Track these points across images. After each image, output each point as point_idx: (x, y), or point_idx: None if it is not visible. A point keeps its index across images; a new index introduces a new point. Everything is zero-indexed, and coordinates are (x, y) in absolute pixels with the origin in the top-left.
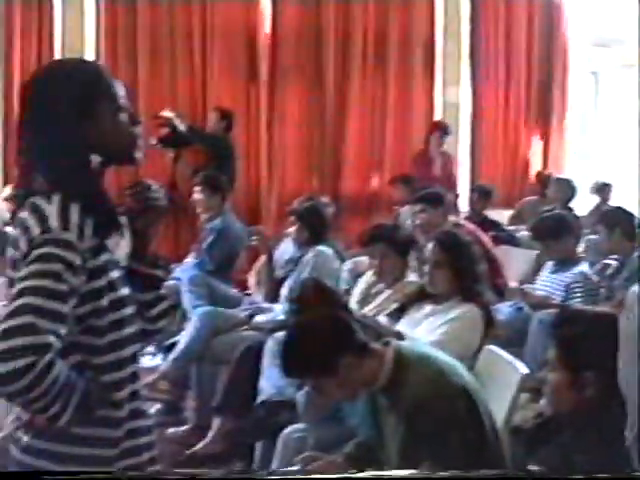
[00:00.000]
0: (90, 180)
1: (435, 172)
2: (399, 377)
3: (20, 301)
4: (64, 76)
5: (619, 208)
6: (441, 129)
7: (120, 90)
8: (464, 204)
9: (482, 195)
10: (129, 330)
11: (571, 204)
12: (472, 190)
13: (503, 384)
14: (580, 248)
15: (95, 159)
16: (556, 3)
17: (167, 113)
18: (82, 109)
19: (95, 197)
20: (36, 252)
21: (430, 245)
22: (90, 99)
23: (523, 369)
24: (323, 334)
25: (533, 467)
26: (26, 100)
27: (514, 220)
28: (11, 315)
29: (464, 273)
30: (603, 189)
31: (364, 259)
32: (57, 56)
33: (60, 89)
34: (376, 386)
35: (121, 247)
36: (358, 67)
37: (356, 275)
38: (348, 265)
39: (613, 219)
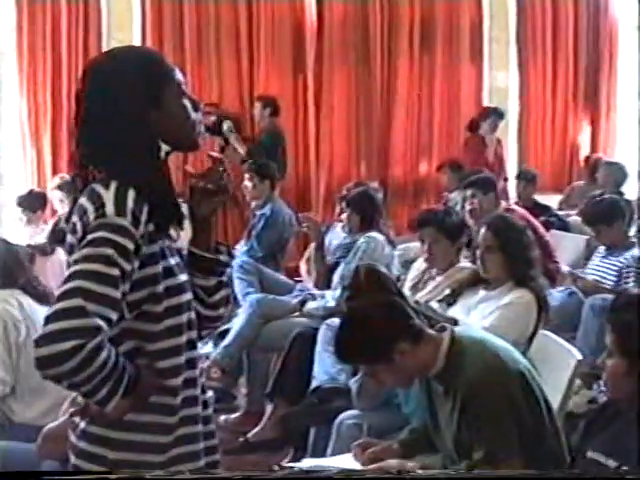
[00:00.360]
0: (150, 167)
1: (488, 158)
2: (455, 363)
3: (71, 284)
4: (129, 63)
5: None
6: (495, 114)
7: (181, 76)
8: (512, 189)
9: (527, 180)
10: (186, 317)
11: (622, 188)
12: (517, 176)
13: (557, 369)
14: (632, 232)
15: (163, 147)
16: None
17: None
18: (150, 96)
19: (155, 184)
20: (90, 236)
21: (482, 230)
22: (157, 86)
23: (577, 354)
24: (378, 320)
25: (590, 453)
26: (86, 89)
27: (564, 205)
28: (61, 297)
29: (517, 258)
30: None
31: (414, 245)
32: (104, 49)
33: (126, 77)
34: (431, 372)
35: (183, 233)
36: (405, 53)
37: (406, 261)
38: (399, 251)
39: None
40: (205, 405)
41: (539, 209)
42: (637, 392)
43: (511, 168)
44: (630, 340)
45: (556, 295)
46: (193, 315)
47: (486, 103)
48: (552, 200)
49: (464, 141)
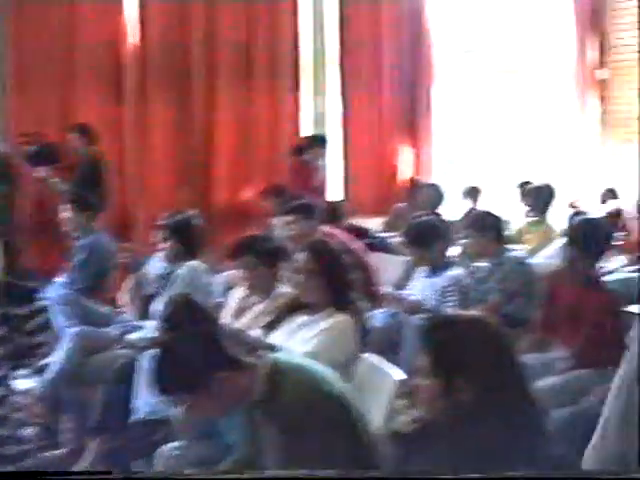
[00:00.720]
0: None
1: (313, 183)
2: (274, 389)
3: None
4: None
5: (487, 212)
6: (318, 141)
7: None
8: None
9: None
10: None
11: (438, 209)
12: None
13: (379, 390)
14: (456, 252)
15: None
16: (421, 12)
17: None
18: None
19: None
20: None
21: (302, 255)
22: None
23: (398, 375)
24: (193, 352)
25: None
26: None
27: (388, 227)
28: None
29: (336, 282)
30: (473, 193)
31: (237, 272)
32: None
33: None
34: (251, 399)
35: None
36: (226, 80)
37: (230, 288)
38: (221, 279)
39: (482, 223)
40: (22, 442)
41: (359, 232)
42: (451, 411)
43: (337, 193)
44: (442, 361)
45: (379, 316)
46: (3, 350)
47: (308, 128)
48: (375, 223)
49: (289, 166)
